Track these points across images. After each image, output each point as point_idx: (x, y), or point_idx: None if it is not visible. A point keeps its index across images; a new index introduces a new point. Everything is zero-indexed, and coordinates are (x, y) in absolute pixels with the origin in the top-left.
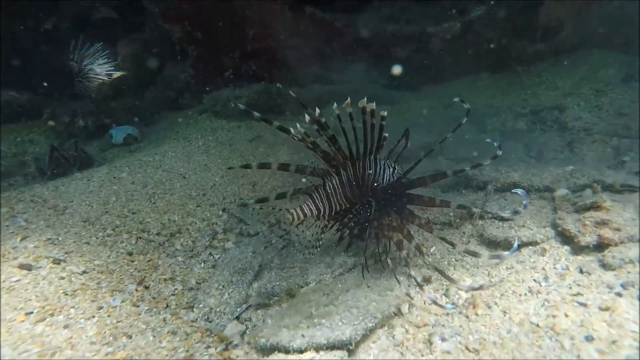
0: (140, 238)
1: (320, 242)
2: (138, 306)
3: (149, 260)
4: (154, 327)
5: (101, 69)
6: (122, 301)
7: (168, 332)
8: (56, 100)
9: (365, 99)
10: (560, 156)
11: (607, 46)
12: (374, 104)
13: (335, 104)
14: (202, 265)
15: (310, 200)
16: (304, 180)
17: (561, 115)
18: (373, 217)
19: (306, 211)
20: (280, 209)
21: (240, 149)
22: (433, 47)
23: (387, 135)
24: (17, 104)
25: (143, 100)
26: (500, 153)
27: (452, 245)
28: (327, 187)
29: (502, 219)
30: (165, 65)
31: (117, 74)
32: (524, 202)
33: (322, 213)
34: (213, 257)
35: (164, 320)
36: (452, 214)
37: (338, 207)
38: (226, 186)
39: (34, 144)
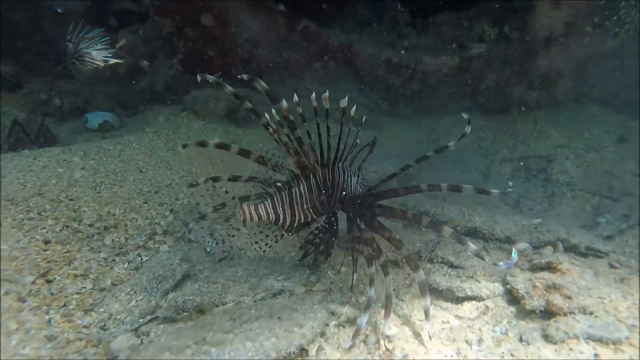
0: (67, 227)
1: (269, 248)
2: (24, 301)
3: (66, 252)
4: (27, 329)
5: (98, 54)
6: (6, 293)
7: (43, 337)
8: (44, 77)
9: (347, 98)
10: (537, 207)
11: (606, 104)
12: (355, 107)
13: (314, 94)
14: (126, 265)
15: (269, 202)
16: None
17: (548, 166)
18: (349, 229)
19: (262, 213)
20: (235, 204)
21: (210, 152)
22: (428, 78)
23: (358, 141)
24: None
25: (132, 90)
26: (496, 192)
27: (415, 269)
28: (293, 193)
29: (452, 266)
30: (157, 58)
31: (112, 61)
32: (502, 262)
33: (281, 222)
34: (141, 258)
35: (49, 321)
36: (399, 253)
37: (303, 219)
38: (183, 186)
39: (7, 116)
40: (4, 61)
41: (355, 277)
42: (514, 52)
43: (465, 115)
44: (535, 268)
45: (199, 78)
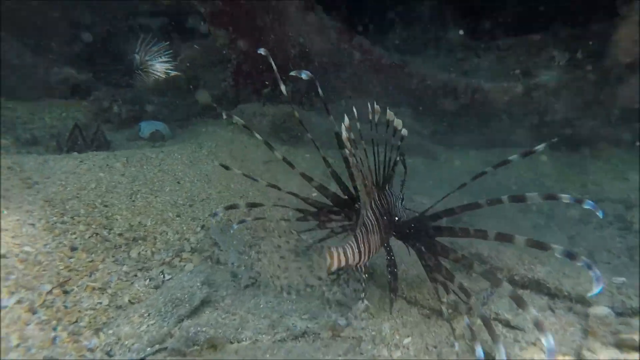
0: (96, 234)
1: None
2: (34, 313)
3: (90, 261)
4: (28, 346)
5: (161, 66)
6: (17, 302)
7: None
8: (111, 86)
9: (388, 109)
10: (615, 261)
11: None
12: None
13: (368, 104)
14: (147, 282)
15: (353, 242)
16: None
17: (626, 213)
18: (421, 258)
19: (349, 256)
20: (320, 248)
21: (251, 168)
22: (487, 106)
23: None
24: (74, 83)
25: (186, 101)
26: (567, 197)
27: (497, 283)
28: (368, 224)
29: (509, 326)
30: (210, 71)
31: (173, 74)
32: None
33: (363, 259)
34: (164, 276)
35: (54, 340)
36: (445, 300)
37: (375, 250)
38: (219, 202)
39: (74, 121)
40: (82, 71)
41: (445, 311)
42: (588, 80)
43: (554, 140)
44: (623, 345)
45: (261, 51)
